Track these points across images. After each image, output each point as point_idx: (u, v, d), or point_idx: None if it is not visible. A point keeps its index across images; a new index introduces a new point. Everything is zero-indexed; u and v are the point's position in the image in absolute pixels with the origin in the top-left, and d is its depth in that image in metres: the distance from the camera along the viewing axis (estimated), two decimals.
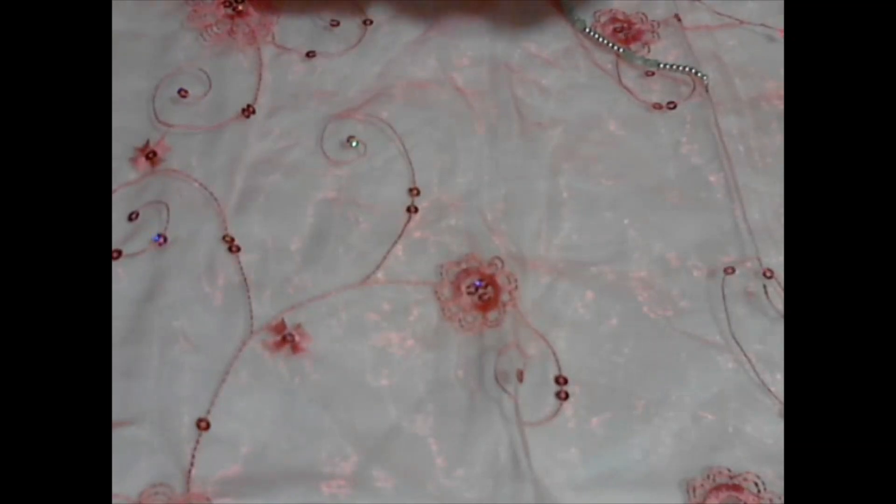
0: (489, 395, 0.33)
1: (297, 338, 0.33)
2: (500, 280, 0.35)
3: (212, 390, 0.32)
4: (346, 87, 0.41)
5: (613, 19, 0.44)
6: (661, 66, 0.42)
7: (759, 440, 0.32)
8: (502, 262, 0.35)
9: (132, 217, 0.36)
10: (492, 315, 0.34)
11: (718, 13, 0.44)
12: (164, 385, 0.32)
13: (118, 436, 0.31)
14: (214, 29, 0.43)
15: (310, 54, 0.42)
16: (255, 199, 0.37)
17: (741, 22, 0.44)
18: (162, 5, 0.44)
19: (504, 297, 0.35)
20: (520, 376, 0.33)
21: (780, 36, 0.43)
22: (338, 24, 0.43)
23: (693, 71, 0.41)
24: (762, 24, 0.43)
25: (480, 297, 0.35)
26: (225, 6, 0.43)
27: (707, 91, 0.41)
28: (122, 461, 0.30)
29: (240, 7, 0.43)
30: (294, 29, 0.43)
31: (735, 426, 0.32)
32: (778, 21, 0.43)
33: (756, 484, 0.31)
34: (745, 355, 0.34)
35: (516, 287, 0.35)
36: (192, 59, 0.41)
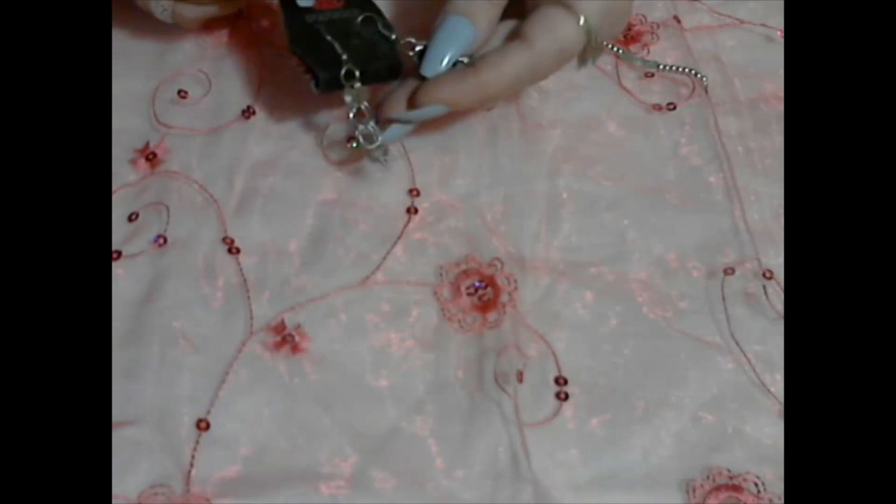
0: (489, 395, 0.33)
1: (296, 338, 0.33)
2: (500, 281, 0.35)
3: (212, 391, 0.32)
4: None
5: None
6: (661, 67, 0.42)
7: (758, 441, 0.32)
8: (502, 263, 0.35)
9: (132, 218, 0.36)
10: (491, 316, 0.34)
11: (718, 13, 0.44)
12: (163, 386, 0.32)
13: (118, 436, 0.31)
14: (214, 33, 0.43)
15: None
16: (254, 200, 0.37)
17: (741, 21, 0.44)
18: None
19: (504, 297, 0.35)
20: (519, 377, 0.33)
21: (780, 37, 0.43)
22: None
23: (692, 72, 0.41)
24: (762, 24, 0.44)
25: (480, 298, 0.35)
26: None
27: (706, 92, 0.41)
28: (121, 462, 0.30)
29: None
30: None
31: (735, 427, 0.32)
32: (778, 22, 0.44)
33: (756, 484, 0.31)
34: (745, 356, 0.34)
35: (516, 288, 0.35)
36: (192, 60, 0.42)
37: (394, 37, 0.37)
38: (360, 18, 0.37)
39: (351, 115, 0.36)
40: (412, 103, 0.35)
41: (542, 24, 0.35)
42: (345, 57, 0.35)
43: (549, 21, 0.35)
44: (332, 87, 0.36)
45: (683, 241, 0.37)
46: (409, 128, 0.36)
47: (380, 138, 0.35)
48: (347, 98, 0.36)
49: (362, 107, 0.36)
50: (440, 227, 0.37)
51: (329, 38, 0.36)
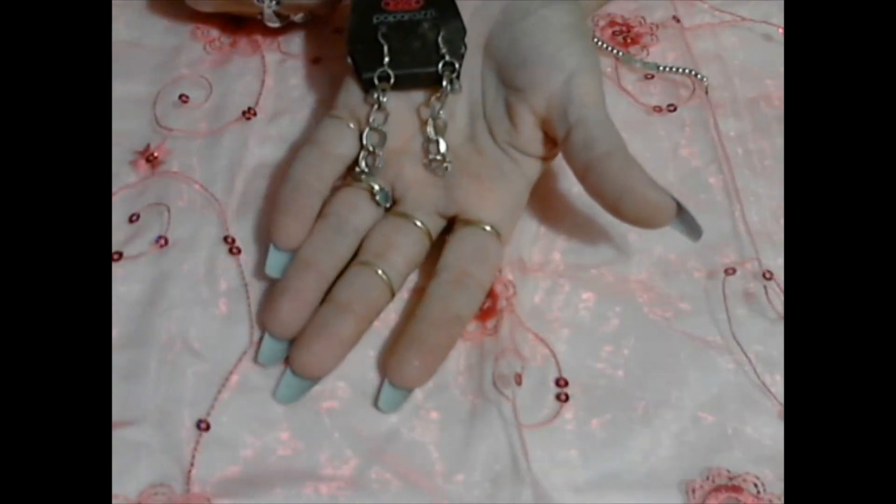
0: (488, 399, 0.33)
1: None
2: (498, 288, 0.35)
3: (212, 392, 0.32)
4: None
5: (612, 23, 0.44)
6: (661, 68, 0.41)
7: (758, 441, 0.32)
8: (499, 270, 0.35)
9: (133, 219, 0.36)
10: (490, 323, 0.34)
11: (720, 10, 0.44)
12: (164, 386, 0.32)
13: (118, 437, 0.31)
14: (217, 43, 0.43)
15: (315, 60, 0.42)
16: (255, 202, 0.37)
17: (743, 19, 0.44)
18: (166, 20, 0.44)
19: (501, 303, 0.34)
20: (518, 380, 0.32)
21: (781, 34, 0.43)
22: (342, 29, 0.44)
23: (692, 73, 0.41)
24: (764, 21, 0.43)
25: (479, 308, 0.34)
26: (228, 20, 0.44)
27: (706, 93, 0.41)
28: (122, 462, 0.30)
29: (243, 23, 0.43)
30: (300, 36, 0.43)
31: (735, 427, 0.32)
32: (779, 20, 0.43)
33: (756, 485, 0.30)
34: (746, 356, 0.34)
35: (514, 293, 0.35)
36: (194, 65, 0.42)
37: (463, 49, 0.36)
38: (426, 24, 0.36)
39: (371, 119, 0.36)
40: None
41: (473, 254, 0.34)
42: (387, 60, 0.35)
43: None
44: (371, 86, 0.36)
45: (684, 241, 0.37)
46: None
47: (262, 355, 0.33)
48: (374, 95, 0.36)
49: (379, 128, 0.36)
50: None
51: (381, 40, 0.35)
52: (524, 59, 0.35)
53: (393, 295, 0.34)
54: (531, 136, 0.35)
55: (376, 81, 0.35)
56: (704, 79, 0.41)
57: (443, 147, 0.35)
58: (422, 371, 0.32)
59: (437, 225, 0.36)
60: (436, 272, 0.34)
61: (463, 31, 0.36)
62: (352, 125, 0.36)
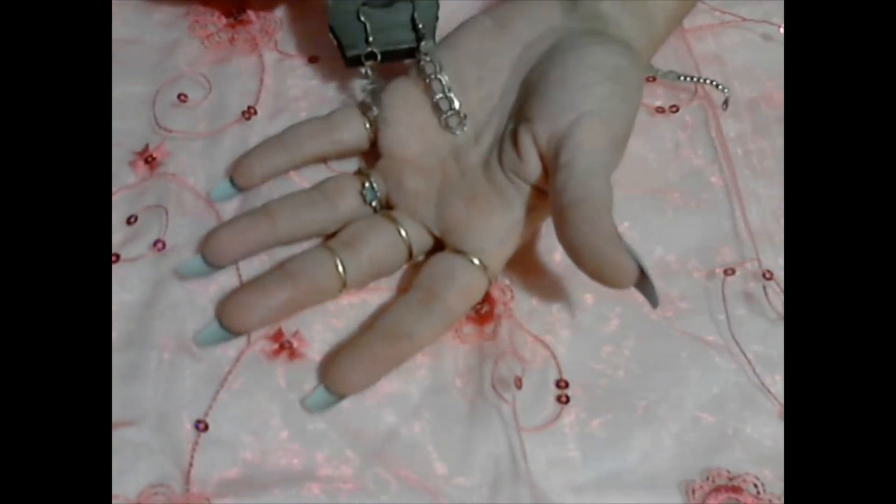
0: (488, 400, 0.33)
1: (294, 344, 0.33)
2: (495, 293, 0.35)
3: (211, 393, 0.32)
4: (348, 92, 0.41)
5: None
6: (682, 77, 0.41)
7: (758, 441, 0.32)
8: (496, 276, 0.35)
9: (131, 221, 0.36)
10: (489, 328, 0.34)
11: (721, 11, 0.44)
12: (163, 388, 0.32)
13: (118, 437, 0.31)
14: (216, 38, 0.43)
15: (312, 59, 0.42)
16: (254, 204, 0.37)
17: (743, 19, 0.44)
18: (163, 16, 0.44)
19: (499, 309, 0.34)
20: (518, 383, 0.32)
21: (781, 33, 0.43)
22: None
23: (714, 83, 0.40)
24: (764, 21, 0.43)
25: (477, 312, 0.34)
26: (226, 16, 0.43)
27: (726, 103, 0.40)
28: (121, 462, 0.30)
29: (241, 17, 0.43)
30: (297, 35, 0.43)
31: (735, 427, 0.32)
32: (780, 19, 0.43)
33: (755, 485, 0.30)
34: (746, 356, 0.34)
35: (512, 297, 0.35)
36: (192, 63, 0.42)
37: (436, 20, 0.37)
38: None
39: (365, 92, 0.37)
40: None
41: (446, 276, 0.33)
42: (371, 39, 0.37)
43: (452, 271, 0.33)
44: (356, 63, 0.38)
45: (684, 242, 0.37)
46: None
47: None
48: (363, 71, 0.37)
49: (376, 87, 0.37)
50: None
51: (362, 17, 0.37)
52: (543, 90, 0.33)
53: (343, 288, 0.34)
54: (536, 167, 0.33)
55: (363, 60, 0.37)
56: (726, 90, 0.40)
57: (456, 104, 0.36)
58: (357, 380, 0.31)
59: (422, 241, 0.35)
60: (409, 289, 0.34)
61: (436, 2, 0.37)
62: (367, 125, 0.37)
